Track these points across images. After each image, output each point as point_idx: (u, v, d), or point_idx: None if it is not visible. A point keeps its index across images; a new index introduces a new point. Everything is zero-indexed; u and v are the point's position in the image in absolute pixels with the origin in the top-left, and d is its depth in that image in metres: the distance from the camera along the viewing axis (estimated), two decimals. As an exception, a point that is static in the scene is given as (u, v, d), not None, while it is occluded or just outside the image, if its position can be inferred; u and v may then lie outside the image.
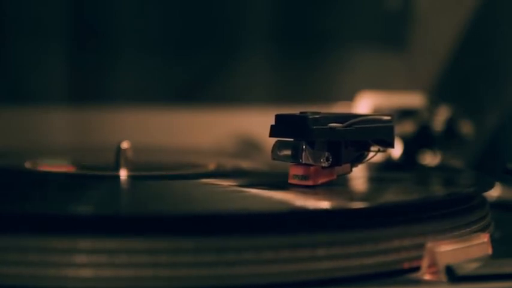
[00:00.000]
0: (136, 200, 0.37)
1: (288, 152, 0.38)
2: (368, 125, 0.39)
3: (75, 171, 0.47)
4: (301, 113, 0.38)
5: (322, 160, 0.38)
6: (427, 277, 0.32)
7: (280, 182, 0.39)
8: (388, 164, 0.53)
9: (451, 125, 0.56)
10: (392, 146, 0.40)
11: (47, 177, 0.45)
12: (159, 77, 0.73)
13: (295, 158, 0.38)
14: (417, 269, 0.33)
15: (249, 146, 0.69)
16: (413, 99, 0.61)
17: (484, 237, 0.35)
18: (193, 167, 0.49)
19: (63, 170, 0.48)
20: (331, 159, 0.38)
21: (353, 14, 0.75)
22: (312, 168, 0.38)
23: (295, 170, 0.38)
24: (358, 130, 0.38)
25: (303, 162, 0.38)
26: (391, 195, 0.41)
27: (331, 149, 0.38)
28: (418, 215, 0.35)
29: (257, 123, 0.67)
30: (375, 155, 0.40)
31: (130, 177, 0.43)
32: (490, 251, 0.35)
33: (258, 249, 0.31)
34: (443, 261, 0.32)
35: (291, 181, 0.38)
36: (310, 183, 0.38)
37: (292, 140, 0.38)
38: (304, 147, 0.37)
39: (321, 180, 0.38)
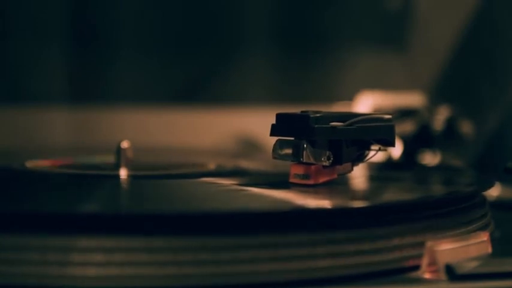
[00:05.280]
0: (137, 199, 0.37)
1: (288, 151, 0.38)
2: (369, 124, 0.39)
3: (75, 171, 0.47)
4: (302, 111, 0.38)
5: (323, 159, 0.38)
6: (427, 276, 0.32)
7: (281, 181, 0.39)
8: (388, 164, 0.53)
9: (451, 125, 0.57)
10: (393, 144, 0.40)
11: (48, 177, 0.45)
12: (159, 77, 0.73)
13: (296, 157, 0.38)
14: (417, 267, 0.33)
15: (249, 146, 0.69)
16: (413, 99, 0.61)
17: (484, 236, 0.35)
18: (194, 167, 0.49)
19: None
20: (332, 158, 0.38)
21: (353, 14, 0.75)
22: (313, 167, 0.38)
23: (296, 169, 0.38)
24: (359, 129, 0.38)
25: (304, 161, 0.38)
26: (391, 195, 0.41)
27: (332, 148, 0.38)
28: (418, 214, 0.35)
29: (257, 123, 0.67)
30: (376, 154, 0.40)
31: (131, 177, 0.43)
32: (489, 249, 0.35)
33: (258, 247, 0.31)
34: (443, 260, 0.32)
35: (292, 180, 0.38)
36: (311, 182, 0.38)
37: (293, 138, 0.38)
38: (305, 146, 0.37)
39: (322, 179, 0.38)
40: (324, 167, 0.38)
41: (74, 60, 0.70)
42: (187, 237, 0.30)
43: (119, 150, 0.45)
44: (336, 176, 0.39)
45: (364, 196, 0.40)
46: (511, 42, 0.67)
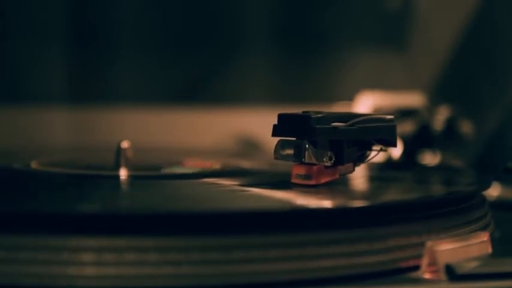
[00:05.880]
0: (137, 199, 0.37)
1: (290, 152, 0.38)
2: (370, 124, 0.39)
3: (75, 171, 0.47)
4: (303, 112, 0.38)
5: (325, 159, 0.38)
6: (427, 276, 0.32)
7: (281, 182, 0.39)
8: (388, 164, 0.53)
9: (451, 125, 0.57)
10: (394, 145, 0.40)
11: (48, 177, 0.45)
12: (159, 77, 0.73)
13: (298, 158, 0.38)
14: (417, 267, 0.33)
15: (249, 146, 0.69)
16: (413, 99, 0.61)
17: (484, 236, 0.35)
18: (194, 167, 0.49)
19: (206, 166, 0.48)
20: (333, 159, 0.38)
21: (353, 14, 0.75)
22: (314, 167, 0.38)
23: (298, 170, 0.38)
24: (361, 129, 0.38)
25: (306, 161, 0.38)
26: (392, 195, 0.41)
27: (334, 149, 0.38)
28: (418, 214, 0.35)
29: (257, 123, 0.67)
30: (377, 154, 0.40)
31: (131, 177, 0.43)
32: (489, 249, 0.35)
33: (258, 247, 0.31)
34: (443, 260, 0.32)
35: (293, 180, 0.38)
36: (313, 182, 0.38)
37: (294, 139, 0.38)
38: (307, 146, 0.37)
39: (323, 180, 0.38)
40: (326, 167, 0.38)
41: (74, 60, 0.70)
42: (187, 237, 0.30)
43: (119, 150, 0.45)
44: (337, 176, 0.39)
45: (364, 196, 0.40)
46: (511, 42, 0.67)
